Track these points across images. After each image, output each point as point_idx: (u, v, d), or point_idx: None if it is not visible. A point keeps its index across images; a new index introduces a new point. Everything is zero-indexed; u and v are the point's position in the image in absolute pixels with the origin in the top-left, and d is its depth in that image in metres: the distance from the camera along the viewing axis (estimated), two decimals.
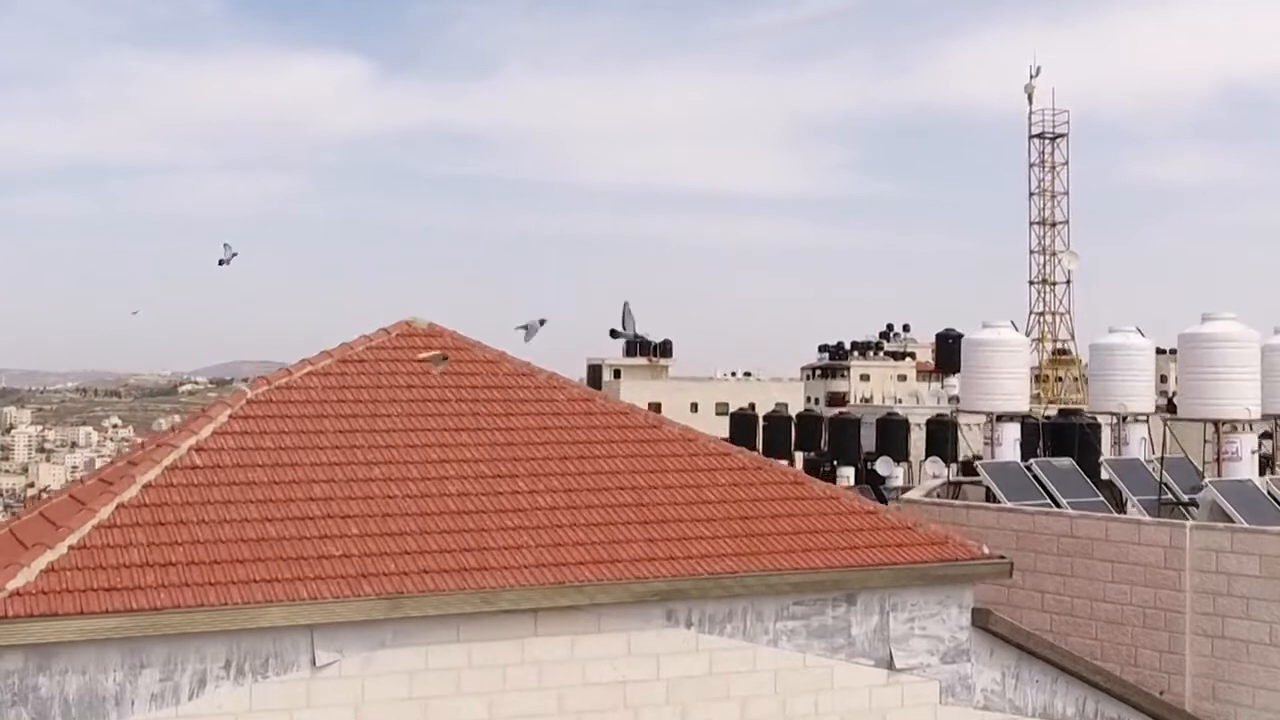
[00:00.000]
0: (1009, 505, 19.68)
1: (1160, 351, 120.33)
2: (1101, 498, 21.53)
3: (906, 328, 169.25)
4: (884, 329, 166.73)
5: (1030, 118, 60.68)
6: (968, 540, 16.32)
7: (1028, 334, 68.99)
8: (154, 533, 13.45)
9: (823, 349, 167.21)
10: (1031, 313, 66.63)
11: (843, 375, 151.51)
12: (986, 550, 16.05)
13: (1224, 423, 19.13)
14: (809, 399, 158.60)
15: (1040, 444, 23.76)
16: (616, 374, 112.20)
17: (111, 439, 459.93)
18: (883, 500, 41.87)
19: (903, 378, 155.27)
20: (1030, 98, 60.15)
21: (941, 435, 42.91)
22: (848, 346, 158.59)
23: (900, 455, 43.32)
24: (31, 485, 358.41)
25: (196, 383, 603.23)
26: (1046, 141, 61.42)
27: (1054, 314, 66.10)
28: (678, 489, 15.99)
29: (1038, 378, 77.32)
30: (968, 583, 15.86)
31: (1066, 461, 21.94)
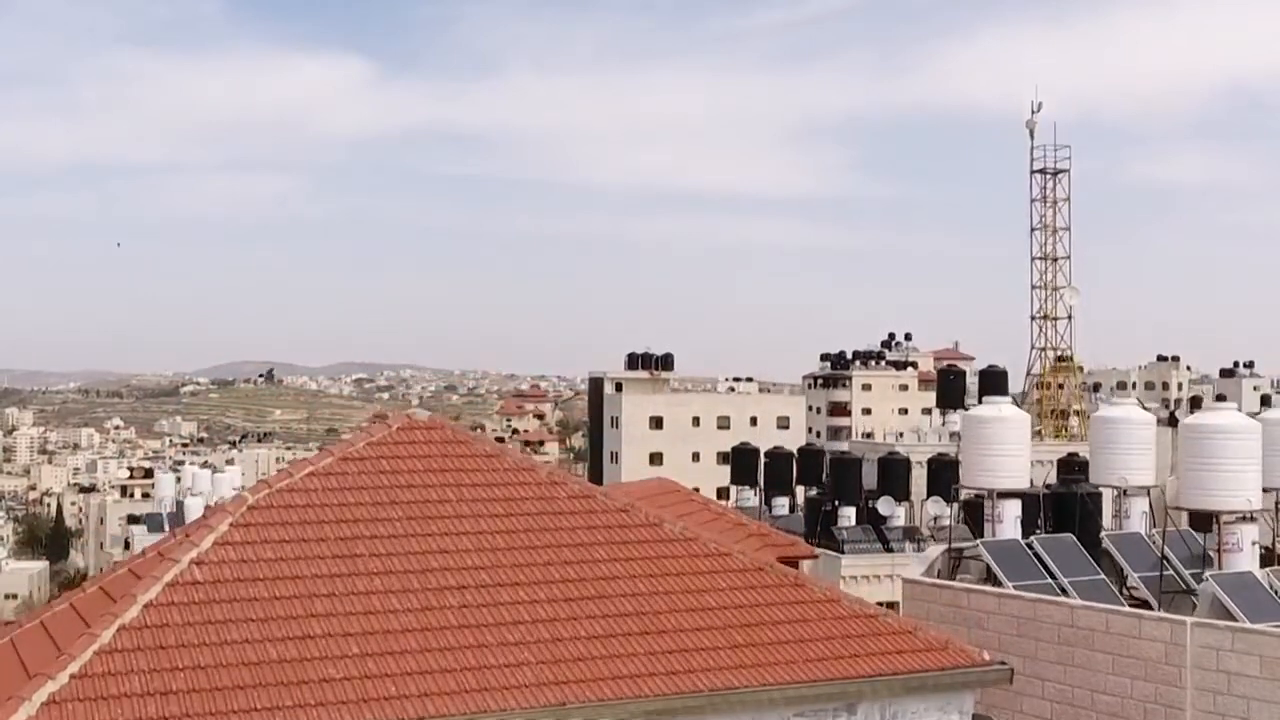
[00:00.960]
0: (1010, 590, 19.67)
1: (1162, 359, 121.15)
2: (1102, 575, 21.53)
3: (908, 336, 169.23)
4: (885, 338, 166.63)
5: (1032, 153, 60.84)
6: (967, 645, 16.31)
7: (1029, 371, 68.91)
8: (155, 657, 13.45)
9: (824, 358, 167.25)
10: (1034, 348, 66.65)
11: (844, 385, 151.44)
12: (987, 656, 16.03)
13: (1225, 514, 19.13)
14: (810, 408, 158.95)
15: (1041, 515, 23.73)
16: (618, 387, 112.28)
17: (113, 440, 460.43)
18: (884, 541, 42.05)
19: (904, 387, 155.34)
20: (1031, 133, 60.25)
21: (943, 474, 43.00)
22: (849, 356, 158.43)
23: (902, 494, 43.45)
24: (33, 487, 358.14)
25: (198, 383, 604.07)
26: (1048, 177, 61.40)
27: (1055, 349, 66.13)
28: (678, 594, 15.99)
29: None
30: (968, 689, 15.85)
31: (1067, 538, 21.93)
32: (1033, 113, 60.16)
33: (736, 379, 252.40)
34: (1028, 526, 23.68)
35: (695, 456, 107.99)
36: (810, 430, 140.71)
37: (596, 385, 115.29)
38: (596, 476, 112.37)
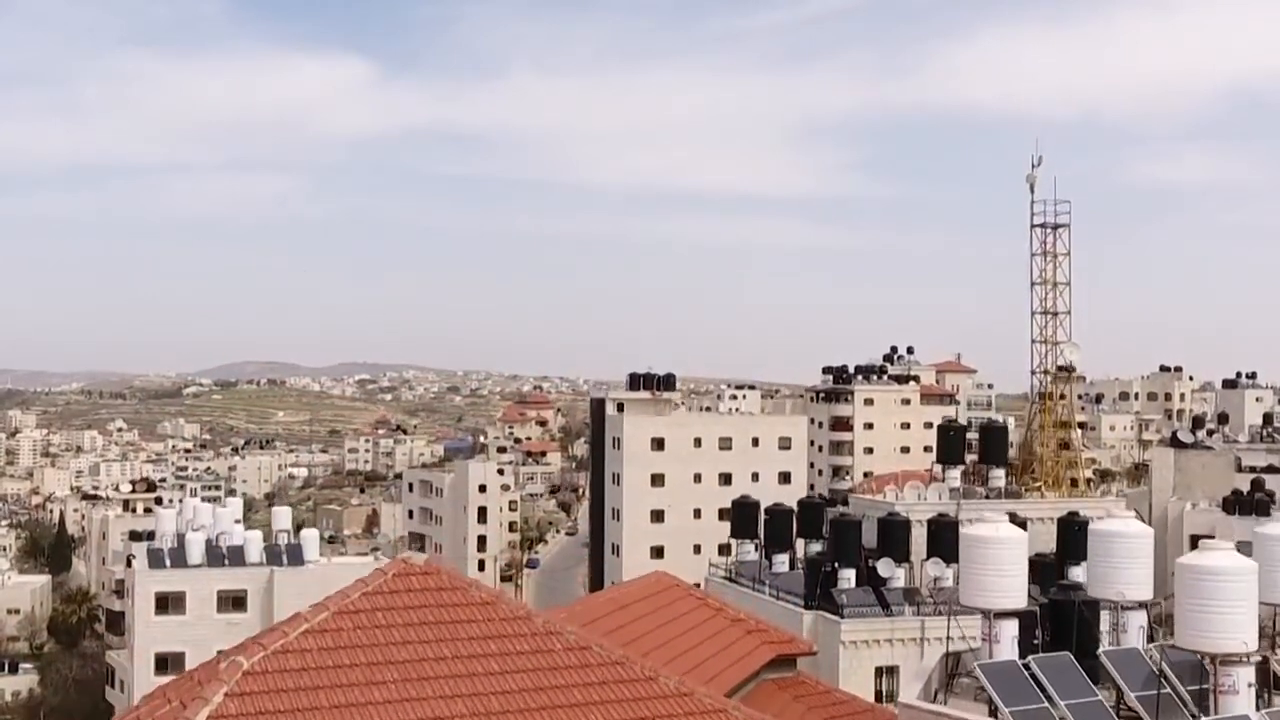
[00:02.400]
0: None
1: (1164, 369, 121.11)
2: (1099, 697, 21.47)
3: (910, 350, 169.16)
4: (887, 351, 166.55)
5: (1032, 207, 61.00)
6: None
7: (1029, 425, 68.76)
8: None
9: (826, 370, 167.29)
10: (1032, 404, 66.58)
11: (846, 400, 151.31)
12: None
13: (1221, 657, 19.09)
14: (813, 421, 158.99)
15: (1039, 628, 23.65)
16: (620, 408, 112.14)
17: (116, 443, 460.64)
18: (885, 605, 42.03)
19: (906, 402, 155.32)
20: (1032, 187, 60.34)
21: (943, 535, 43.03)
22: (851, 370, 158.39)
23: (901, 556, 43.42)
24: (36, 491, 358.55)
25: (201, 384, 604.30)
26: (1049, 231, 61.52)
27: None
28: None
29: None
30: None
31: (1064, 658, 21.86)
32: (1033, 167, 60.35)
33: (739, 387, 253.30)
34: (1026, 636, 23.60)
35: (697, 478, 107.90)
36: (813, 444, 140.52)
37: (598, 405, 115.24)
38: (598, 499, 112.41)
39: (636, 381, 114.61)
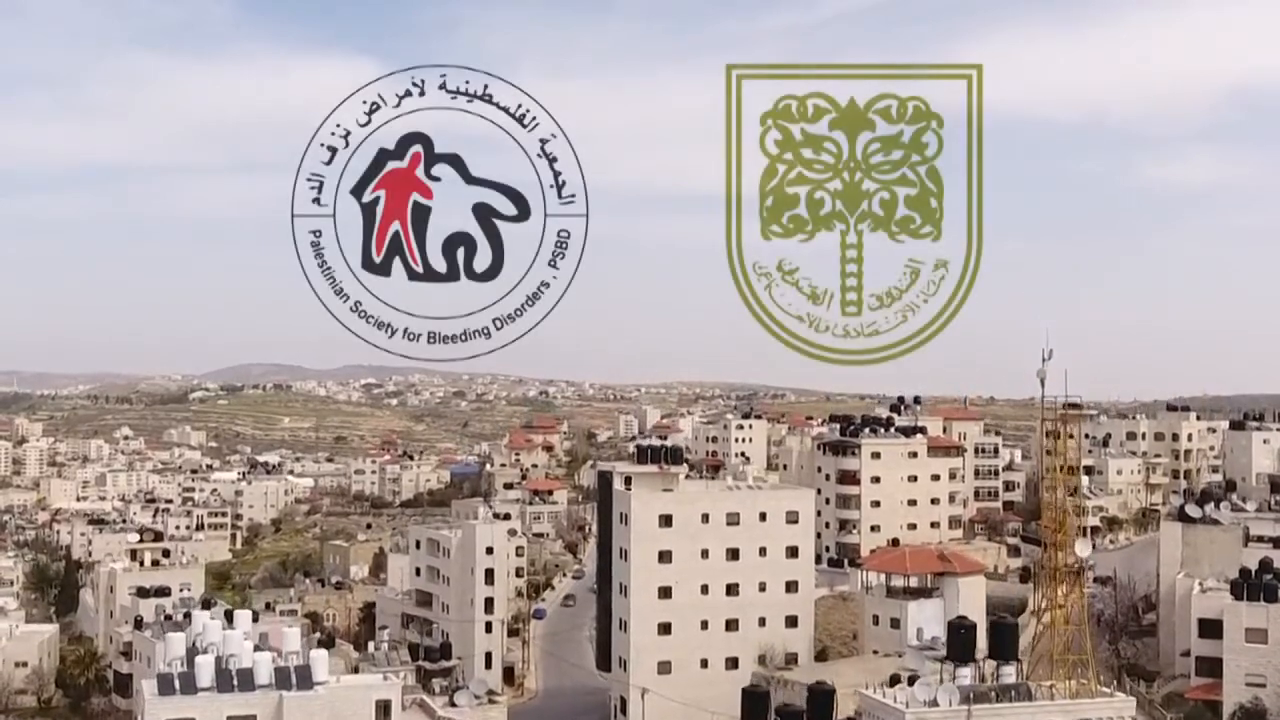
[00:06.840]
0: None
1: (1172, 408, 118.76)
2: None
3: (918, 400, 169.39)
4: (894, 402, 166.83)
5: (1042, 401, 60.64)
6: None
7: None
8: None
9: (833, 419, 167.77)
10: (1043, 602, 66.49)
11: (853, 453, 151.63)
12: None
13: None
14: (819, 470, 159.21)
15: None
16: (627, 482, 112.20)
17: (123, 451, 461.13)
18: None
19: (913, 454, 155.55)
20: (1042, 382, 60.13)
21: None
22: (858, 420, 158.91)
23: None
24: (42, 502, 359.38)
25: (207, 389, 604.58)
26: (1058, 424, 61.42)
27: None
28: None
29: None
30: None
31: None
32: (1044, 361, 60.06)
33: (746, 415, 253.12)
34: None
35: (704, 554, 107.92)
36: (819, 493, 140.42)
37: (605, 479, 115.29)
38: (605, 575, 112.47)
39: (644, 454, 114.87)
